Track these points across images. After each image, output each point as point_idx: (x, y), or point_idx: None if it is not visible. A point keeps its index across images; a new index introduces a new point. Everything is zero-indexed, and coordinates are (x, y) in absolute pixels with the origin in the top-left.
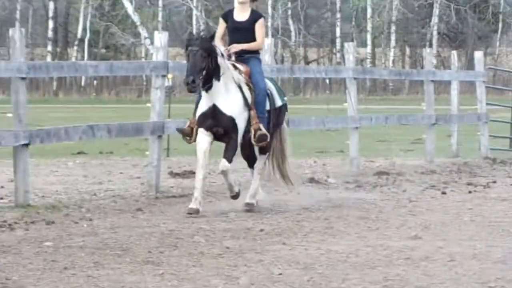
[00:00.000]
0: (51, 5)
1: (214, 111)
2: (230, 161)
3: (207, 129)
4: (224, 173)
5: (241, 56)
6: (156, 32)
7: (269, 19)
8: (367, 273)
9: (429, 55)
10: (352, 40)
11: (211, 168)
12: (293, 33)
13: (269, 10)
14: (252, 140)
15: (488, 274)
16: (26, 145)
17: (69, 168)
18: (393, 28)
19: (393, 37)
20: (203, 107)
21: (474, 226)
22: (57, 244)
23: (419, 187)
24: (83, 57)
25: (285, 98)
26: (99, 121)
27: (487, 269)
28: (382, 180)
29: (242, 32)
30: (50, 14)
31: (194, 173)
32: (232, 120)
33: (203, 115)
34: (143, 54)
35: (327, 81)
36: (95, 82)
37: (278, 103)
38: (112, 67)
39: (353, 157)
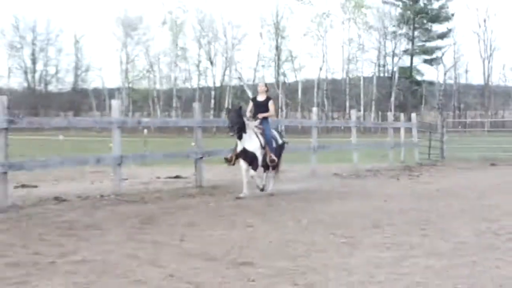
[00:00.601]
0: None
1: (245, 150)
2: (255, 170)
3: (243, 159)
4: (253, 177)
5: (260, 121)
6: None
7: None
8: (361, 217)
9: (390, 116)
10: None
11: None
12: None
13: None
14: (268, 162)
15: (408, 208)
16: (201, 158)
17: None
18: None
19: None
20: (239, 148)
21: (412, 195)
22: (217, 204)
23: (386, 177)
24: None
25: (284, 139)
26: None
27: (409, 210)
28: (368, 173)
29: (261, 107)
30: None
31: None
32: (254, 154)
33: (240, 152)
34: None
35: None
36: None
37: (279, 142)
38: None
39: (355, 163)
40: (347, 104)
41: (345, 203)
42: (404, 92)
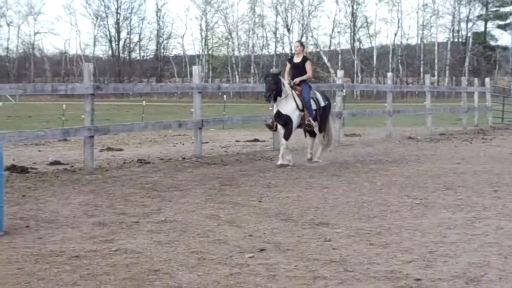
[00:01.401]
0: None
1: (279, 113)
2: (286, 139)
3: (277, 122)
4: (283, 145)
5: (299, 84)
6: None
7: None
8: (434, 179)
9: (463, 81)
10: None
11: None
12: None
13: None
14: (305, 124)
15: (481, 170)
16: None
17: None
18: None
19: None
20: (274, 110)
21: (484, 158)
22: (294, 166)
23: (459, 141)
24: None
25: (326, 102)
26: None
27: (482, 172)
28: (442, 137)
29: (298, 68)
30: None
31: None
32: (288, 117)
33: (275, 115)
34: None
35: None
36: None
37: (322, 104)
38: None
39: (429, 127)
40: (421, 69)
41: (418, 166)
42: (477, 58)
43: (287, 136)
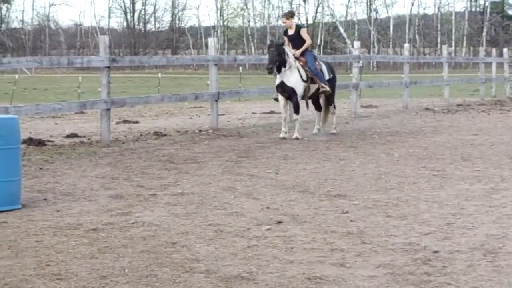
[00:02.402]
0: None
1: (282, 84)
2: (297, 113)
3: (280, 93)
4: (296, 120)
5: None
6: None
7: None
8: (452, 150)
9: (481, 51)
10: None
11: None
12: None
13: None
14: (320, 91)
15: (498, 142)
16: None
17: None
18: None
19: None
20: (277, 81)
21: (503, 129)
22: (310, 138)
23: (477, 112)
24: None
25: (331, 74)
26: None
27: (500, 143)
28: (459, 108)
29: (294, 40)
30: None
31: None
32: (292, 89)
33: (278, 86)
34: None
35: None
36: None
37: (326, 77)
38: None
39: (446, 98)
40: (439, 39)
41: (436, 137)
42: (495, 27)
43: (297, 110)
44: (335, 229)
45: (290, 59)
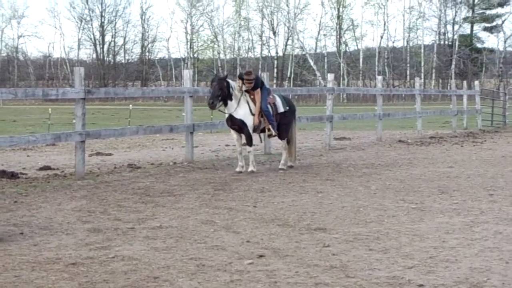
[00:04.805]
0: None
1: (231, 117)
2: (250, 145)
3: (231, 127)
4: (250, 153)
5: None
6: None
7: None
8: (428, 183)
9: (453, 84)
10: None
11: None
12: None
13: None
14: (267, 134)
15: (474, 174)
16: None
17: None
18: None
19: None
20: (226, 115)
21: (477, 161)
22: (287, 170)
23: (450, 144)
24: None
25: (287, 107)
26: None
27: (476, 176)
28: (432, 140)
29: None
30: None
31: None
32: (241, 121)
33: (227, 120)
34: None
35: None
36: None
37: (281, 110)
38: None
39: (419, 130)
40: (408, 72)
41: (411, 170)
42: (464, 60)
43: (249, 142)
44: (318, 262)
45: (236, 92)
